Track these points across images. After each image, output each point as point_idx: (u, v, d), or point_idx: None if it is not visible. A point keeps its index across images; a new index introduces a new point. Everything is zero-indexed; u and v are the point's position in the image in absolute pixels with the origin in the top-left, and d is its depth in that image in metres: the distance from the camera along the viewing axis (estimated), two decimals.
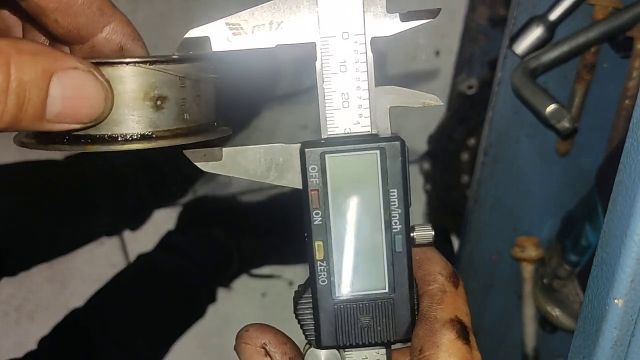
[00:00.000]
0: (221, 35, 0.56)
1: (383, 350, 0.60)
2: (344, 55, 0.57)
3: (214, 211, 1.94)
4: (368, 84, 0.57)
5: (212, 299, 1.85)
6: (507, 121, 1.19)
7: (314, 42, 0.57)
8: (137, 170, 1.78)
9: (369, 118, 0.58)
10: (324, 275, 0.58)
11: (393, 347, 0.61)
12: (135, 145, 0.53)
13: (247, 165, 0.59)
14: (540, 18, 1.11)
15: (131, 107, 0.53)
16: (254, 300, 2.09)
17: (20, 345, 2.10)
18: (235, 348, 0.60)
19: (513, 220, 1.27)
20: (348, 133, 0.58)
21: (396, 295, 0.58)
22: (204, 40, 0.56)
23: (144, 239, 2.06)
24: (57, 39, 0.55)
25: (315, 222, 0.57)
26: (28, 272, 1.97)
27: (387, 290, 0.58)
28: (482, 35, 1.62)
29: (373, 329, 0.59)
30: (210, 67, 0.57)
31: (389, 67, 1.92)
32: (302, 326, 0.60)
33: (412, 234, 0.58)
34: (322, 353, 0.60)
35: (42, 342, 1.62)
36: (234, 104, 1.88)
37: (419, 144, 1.89)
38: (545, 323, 1.27)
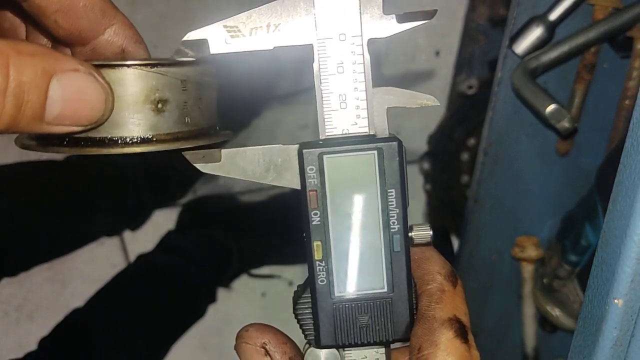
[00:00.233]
0: (219, 38, 0.57)
1: (382, 350, 0.60)
2: (341, 56, 0.58)
3: (214, 211, 1.94)
4: (365, 85, 0.58)
5: (212, 299, 1.85)
6: (507, 121, 1.19)
7: (312, 44, 0.57)
8: (137, 171, 1.78)
9: (367, 119, 0.58)
10: (323, 275, 0.58)
11: (392, 346, 0.61)
12: (135, 148, 0.53)
13: (246, 166, 0.59)
14: (540, 18, 1.11)
15: (132, 110, 0.53)
16: (253, 300, 2.09)
17: (20, 345, 2.10)
18: (236, 348, 0.60)
19: (513, 220, 1.27)
20: (346, 134, 0.58)
21: (395, 294, 0.58)
22: (202, 43, 0.56)
23: (144, 239, 2.06)
24: (59, 41, 0.55)
25: (314, 223, 0.58)
26: (28, 272, 1.98)
27: (385, 290, 0.58)
28: (482, 35, 1.62)
29: (372, 328, 0.59)
30: (212, 71, 0.58)
31: (389, 67, 1.92)
32: (301, 326, 0.60)
33: (410, 234, 0.59)
34: (322, 352, 0.60)
35: (43, 342, 1.62)
36: (234, 104, 1.88)
37: (418, 144, 1.89)
38: (545, 323, 1.27)
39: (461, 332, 0.56)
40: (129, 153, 0.53)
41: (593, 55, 1.13)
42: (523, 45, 1.12)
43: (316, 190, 0.57)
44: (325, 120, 0.58)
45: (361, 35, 0.57)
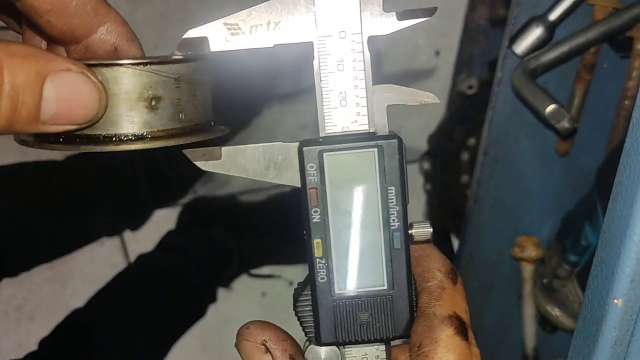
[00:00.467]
0: (219, 36, 0.57)
1: (382, 347, 0.60)
2: (341, 54, 0.58)
3: (214, 211, 1.94)
4: (365, 83, 0.58)
5: (212, 298, 1.85)
6: (507, 121, 1.19)
7: (312, 42, 0.57)
8: (137, 170, 1.78)
9: (367, 116, 0.58)
10: (323, 272, 0.58)
11: (392, 343, 0.61)
12: (129, 145, 0.53)
13: (246, 163, 0.59)
14: (540, 18, 1.11)
15: (126, 108, 0.53)
16: (254, 300, 2.09)
17: (20, 346, 2.10)
18: (236, 345, 0.60)
19: (513, 220, 1.27)
20: (346, 131, 0.58)
21: (395, 292, 0.59)
22: (202, 41, 0.57)
23: (144, 239, 2.06)
24: (52, 40, 0.56)
25: (314, 220, 0.58)
26: (28, 272, 1.97)
27: (385, 287, 0.59)
28: (482, 35, 1.62)
29: (372, 325, 0.59)
30: (206, 67, 0.58)
31: (389, 66, 1.92)
32: (301, 323, 0.60)
33: (410, 231, 0.59)
34: (322, 350, 0.60)
35: (43, 342, 1.62)
36: (234, 103, 1.88)
37: (419, 143, 1.89)
38: (545, 323, 1.27)
39: (461, 329, 0.56)
40: (123, 150, 0.53)
41: (593, 56, 1.13)
42: (523, 45, 1.12)
43: (316, 188, 0.57)
44: (325, 117, 0.58)
45: (361, 33, 0.58)
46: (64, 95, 0.49)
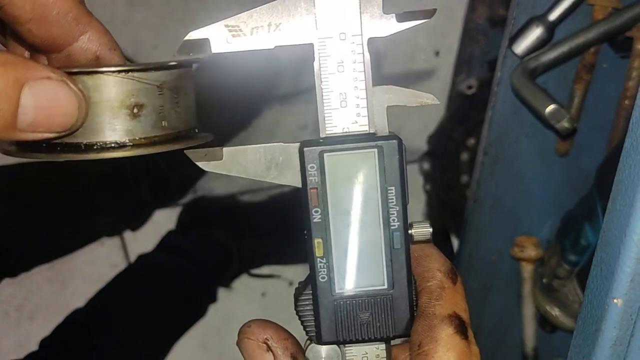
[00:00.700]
0: (220, 37, 0.57)
1: (383, 346, 0.61)
2: (341, 55, 0.58)
3: (214, 211, 1.94)
4: (365, 84, 0.58)
5: (212, 298, 1.85)
6: (506, 121, 1.19)
7: (312, 43, 0.58)
8: (137, 171, 1.78)
9: (367, 117, 0.58)
10: (324, 272, 0.59)
11: (393, 342, 0.61)
12: (111, 153, 0.54)
13: (248, 164, 0.60)
14: (540, 18, 1.11)
15: (107, 116, 0.53)
16: (254, 300, 2.09)
17: (20, 346, 2.10)
18: (238, 343, 0.60)
19: (513, 220, 1.28)
20: (346, 132, 0.59)
21: (395, 291, 0.59)
22: (204, 42, 0.57)
23: (144, 239, 2.06)
24: (33, 48, 0.56)
25: (315, 220, 0.58)
26: (28, 272, 1.98)
27: (386, 287, 0.59)
28: (481, 35, 1.62)
29: (372, 324, 0.59)
30: (189, 74, 0.58)
31: (389, 67, 1.92)
32: (302, 322, 0.61)
33: (410, 231, 0.59)
34: (323, 349, 0.61)
35: (43, 342, 1.62)
36: (235, 104, 1.88)
37: (418, 144, 1.89)
38: (544, 323, 1.27)
39: (461, 329, 0.56)
40: (105, 158, 0.53)
41: (592, 56, 1.13)
42: (523, 45, 1.12)
43: (317, 188, 0.58)
44: (326, 118, 0.58)
45: (361, 35, 0.58)
46: (42, 102, 0.49)
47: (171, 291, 1.75)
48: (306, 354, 0.61)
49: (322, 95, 0.58)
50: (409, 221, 0.59)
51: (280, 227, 1.90)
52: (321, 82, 0.58)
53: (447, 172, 1.71)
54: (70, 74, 0.51)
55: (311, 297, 0.60)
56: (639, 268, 0.67)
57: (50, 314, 2.12)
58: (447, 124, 1.68)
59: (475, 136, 1.64)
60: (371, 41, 0.58)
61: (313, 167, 0.58)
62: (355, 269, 0.59)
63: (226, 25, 0.57)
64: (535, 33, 1.11)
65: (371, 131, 0.59)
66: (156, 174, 1.82)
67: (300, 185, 0.58)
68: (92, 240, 1.88)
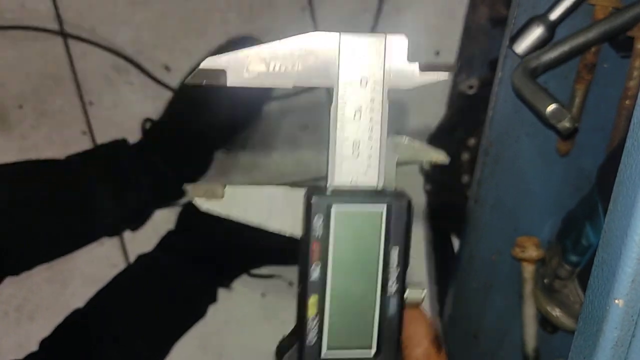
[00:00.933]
0: (238, 70, 0.55)
1: None
2: (360, 102, 0.56)
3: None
4: (380, 134, 0.57)
5: (213, 298, 1.84)
6: (507, 121, 1.20)
7: (332, 87, 0.56)
8: (138, 171, 1.77)
9: (377, 170, 0.57)
10: (314, 332, 0.57)
11: None
12: None
13: (248, 206, 0.58)
14: (541, 18, 1.11)
15: None
16: (253, 300, 2.09)
17: (20, 346, 2.10)
18: None
19: (513, 220, 1.28)
20: (355, 184, 0.57)
21: (382, 357, 0.58)
22: (219, 74, 0.55)
23: (144, 239, 2.06)
24: None
25: (313, 277, 0.56)
26: (29, 272, 1.97)
27: (374, 352, 0.58)
28: (482, 35, 1.62)
29: None
30: None
31: None
32: None
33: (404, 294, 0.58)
34: None
35: (43, 343, 1.62)
36: (235, 104, 1.88)
37: None
38: (545, 323, 1.27)
39: None
40: None
41: (593, 55, 1.13)
42: (523, 45, 1.12)
43: (320, 242, 0.56)
44: (336, 167, 0.57)
45: (383, 83, 0.56)
46: None
47: (171, 291, 1.75)
48: None
49: (336, 142, 0.57)
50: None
51: None
52: (336, 128, 0.57)
53: (448, 172, 1.71)
54: None
55: (297, 358, 0.58)
56: None
57: (50, 314, 2.12)
58: (448, 124, 1.69)
59: (476, 136, 1.64)
60: (393, 91, 0.57)
61: (319, 218, 0.56)
62: (346, 331, 0.57)
63: (246, 57, 0.55)
64: (535, 33, 1.11)
65: (380, 186, 0.57)
66: (157, 175, 1.82)
67: (300, 234, 0.57)
68: (92, 241, 1.87)
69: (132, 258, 2.06)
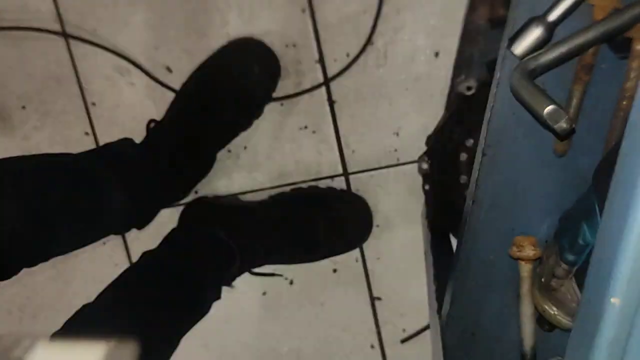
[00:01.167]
0: None
1: None
2: None
3: (216, 211, 1.94)
4: None
5: (217, 296, 1.85)
6: (505, 122, 1.20)
7: None
8: (146, 169, 1.77)
9: None
10: None
11: None
12: None
13: None
14: (539, 19, 1.11)
15: None
16: (254, 299, 2.10)
17: None
18: None
19: (511, 220, 1.28)
20: None
21: None
22: None
23: (146, 238, 2.07)
24: None
25: None
26: (31, 272, 1.97)
27: None
28: (481, 36, 1.63)
29: None
30: None
31: (388, 68, 1.93)
32: None
33: None
34: None
35: (54, 337, 1.62)
36: (235, 104, 1.89)
37: (418, 144, 1.90)
38: (543, 321, 1.27)
39: None
40: None
41: (591, 56, 1.14)
42: (522, 46, 1.13)
43: None
44: None
45: None
46: None
47: (178, 287, 1.75)
48: None
49: None
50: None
51: (280, 226, 1.91)
52: None
53: (446, 173, 1.71)
54: None
55: None
56: (637, 268, 0.68)
57: (52, 313, 2.14)
58: (447, 125, 1.69)
59: (474, 137, 1.64)
60: None
61: None
62: None
63: None
64: (534, 34, 1.12)
65: None
66: (161, 173, 1.82)
67: None
68: (104, 235, 1.87)
69: (134, 257, 2.07)
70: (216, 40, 1.95)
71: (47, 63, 2.06)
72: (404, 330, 2.09)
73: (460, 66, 1.67)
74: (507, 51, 1.14)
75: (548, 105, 1.03)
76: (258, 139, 2.01)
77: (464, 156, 1.67)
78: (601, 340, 0.72)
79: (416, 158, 1.86)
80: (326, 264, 2.03)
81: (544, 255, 1.24)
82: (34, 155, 1.68)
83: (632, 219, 0.67)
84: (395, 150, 1.92)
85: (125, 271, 1.79)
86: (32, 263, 1.61)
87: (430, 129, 1.79)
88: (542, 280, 1.22)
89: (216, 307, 1.86)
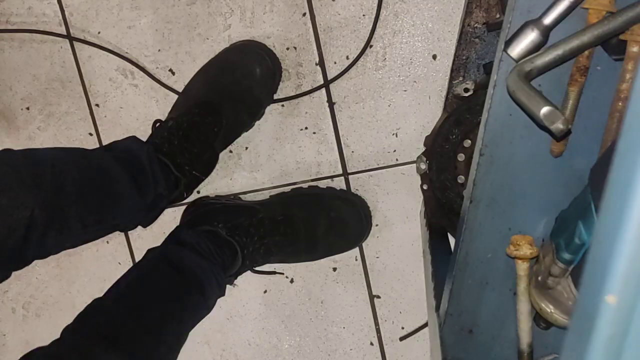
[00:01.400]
0: None
1: None
2: None
3: (217, 210, 1.95)
4: None
5: (221, 293, 1.85)
6: (502, 123, 1.21)
7: None
8: (152, 166, 1.78)
9: None
10: None
11: None
12: None
13: None
14: (535, 22, 1.13)
15: None
16: (255, 297, 2.11)
17: (27, 342, 2.12)
18: None
19: (508, 219, 1.29)
20: None
21: None
22: None
23: (148, 237, 2.08)
24: None
25: None
26: (35, 270, 1.98)
27: None
28: (478, 39, 1.63)
29: None
30: None
31: (387, 70, 1.94)
32: None
33: None
34: None
35: (66, 331, 1.61)
36: (237, 106, 1.90)
37: (416, 144, 1.91)
38: (539, 319, 1.28)
39: None
40: None
41: (586, 58, 1.15)
42: (518, 48, 1.14)
43: None
44: None
45: None
46: None
47: (184, 284, 1.75)
48: None
49: None
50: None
51: (281, 226, 1.92)
52: None
53: (444, 173, 1.72)
54: None
55: None
56: (633, 267, 0.68)
57: (56, 311, 2.15)
58: (444, 126, 1.70)
59: (471, 137, 1.65)
60: None
61: None
62: None
63: None
64: (530, 37, 1.13)
65: None
66: (166, 172, 1.82)
67: None
68: (106, 235, 1.87)
69: (137, 257, 2.07)
70: (219, 43, 1.96)
71: (52, 65, 2.07)
72: (402, 327, 2.09)
73: (458, 68, 1.68)
74: (503, 54, 1.15)
75: (544, 107, 1.04)
76: (259, 140, 2.02)
77: (461, 156, 1.68)
78: (597, 338, 0.72)
79: (414, 158, 1.87)
80: (326, 262, 2.05)
81: (541, 254, 1.24)
82: (50, 148, 1.69)
83: (627, 218, 0.67)
84: (394, 150, 1.94)
85: (132, 267, 1.80)
86: (45, 254, 1.61)
87: (428, 130, 1.80)
88: (539, 278, 1.23)
89: (218, 305, 1.88)
